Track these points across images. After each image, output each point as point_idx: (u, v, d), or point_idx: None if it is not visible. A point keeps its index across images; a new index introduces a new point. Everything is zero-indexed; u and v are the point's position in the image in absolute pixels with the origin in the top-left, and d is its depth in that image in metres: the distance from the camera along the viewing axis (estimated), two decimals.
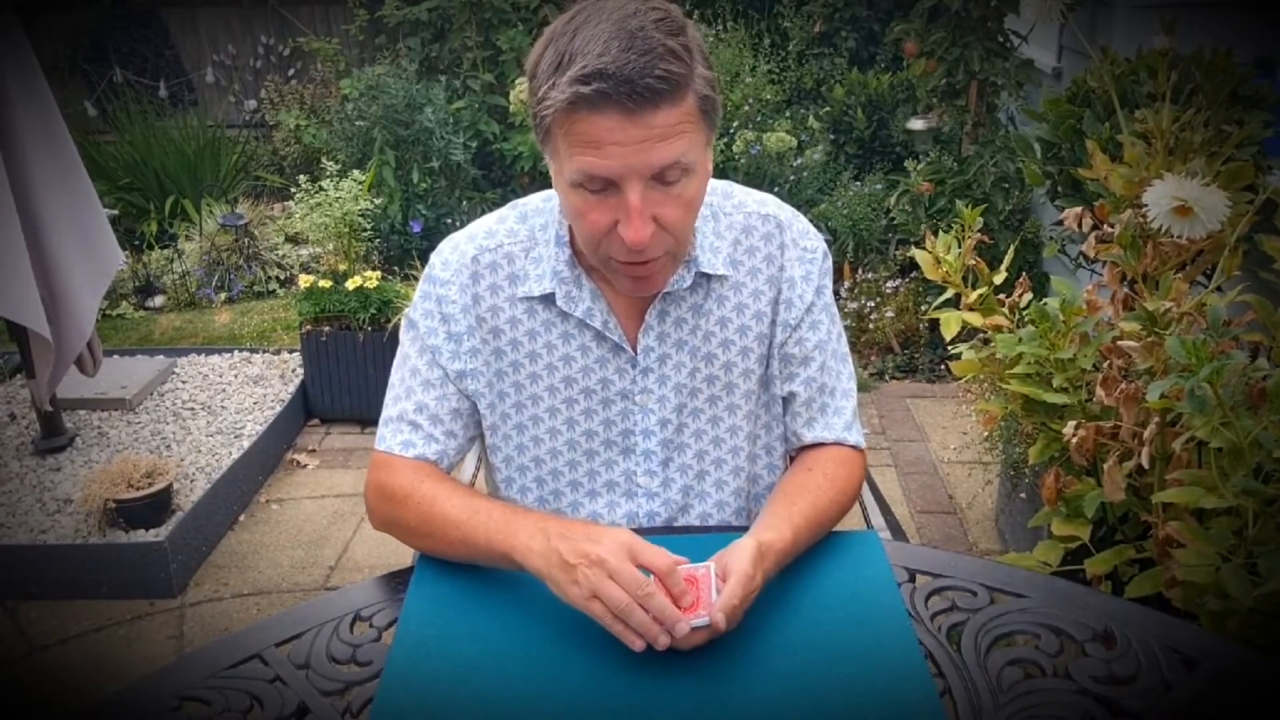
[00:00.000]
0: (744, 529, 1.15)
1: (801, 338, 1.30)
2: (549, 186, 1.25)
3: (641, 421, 1.28)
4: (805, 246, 1.30)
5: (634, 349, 1.26)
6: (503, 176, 4.92)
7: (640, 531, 1.28)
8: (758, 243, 1.28)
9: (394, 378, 1.31)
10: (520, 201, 1.32)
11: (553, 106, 1.04)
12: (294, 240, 4.91)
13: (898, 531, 1.48)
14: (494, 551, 1.11)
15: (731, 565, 1.04)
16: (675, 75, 1.03)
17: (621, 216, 1.08)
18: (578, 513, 1.31)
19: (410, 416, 1.28)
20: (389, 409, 1.30)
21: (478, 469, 1.59)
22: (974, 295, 1.90)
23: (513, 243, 1.27)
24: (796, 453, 1.35)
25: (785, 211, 1.32)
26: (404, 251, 4.52)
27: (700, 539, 1.25)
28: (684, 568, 1.04)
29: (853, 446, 1.33)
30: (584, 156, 1.05)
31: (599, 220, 1.10)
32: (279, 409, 3.45)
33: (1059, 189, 2.67)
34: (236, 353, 3.95)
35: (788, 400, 1.33)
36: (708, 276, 1.26)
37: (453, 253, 1.28)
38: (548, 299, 1.25)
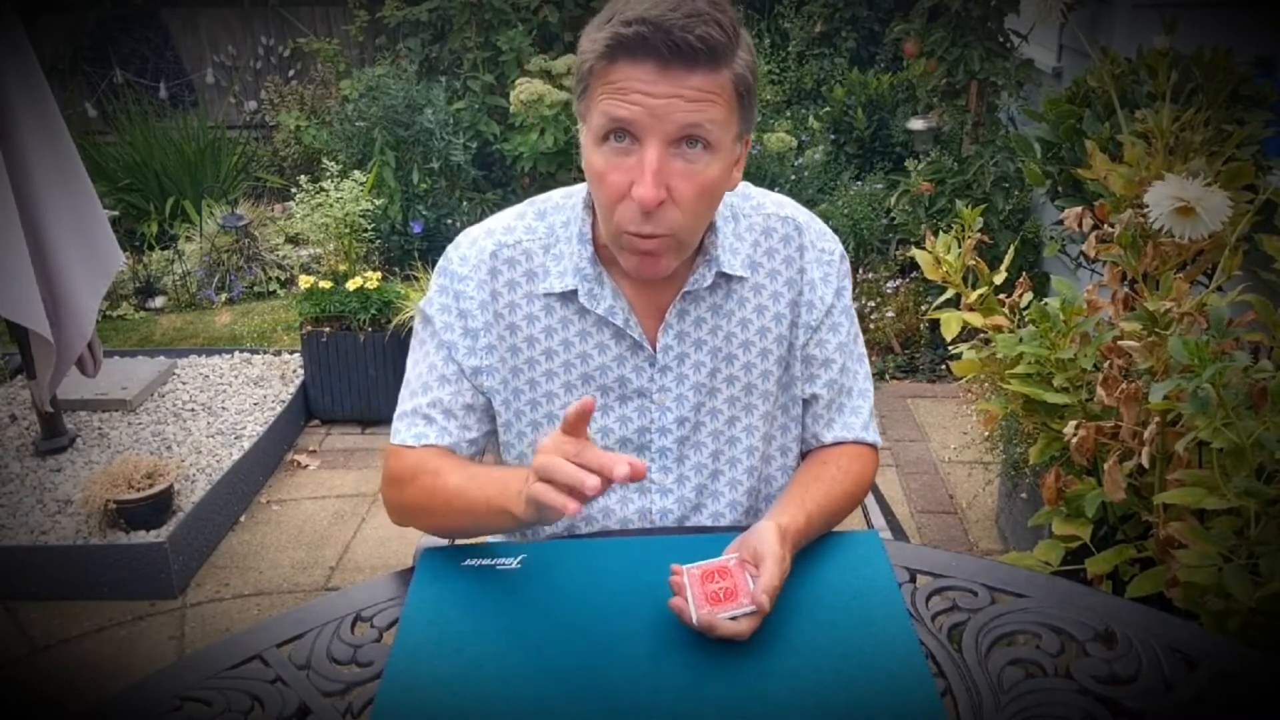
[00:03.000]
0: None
1: (823, 340, 1.31)
2: (548, 188, 1.26)
3: (658, 419, 1.29)
4: (823, 248, 1.31)
5: (653, 347, 1.27)
6: (503, 177, 4.92)
7: (653, 530, 1.29)
8: (777, 244, 1.30)
9: (410, 373, 1.32)
10: (539, 198, 1.32)
11: (594, 52, 1.08)
12: (294, 241, 4.91)
13: (898, 531, 1.48)
14: (493, 510, 1.13)
15: (763, 549, 1.06)
16: (715, 41, 1.05)
17: (637, 176, 1.09)
18: (590, 507, 1.32)
19: (425, 411, 1.29)
20: (404, 404, 1.31)
21: None
22: (974, 295, 1.90)
23: (531, 239, 1.27)
24: (812, 450, 1.37)
25: (803, 214, 1.33)
26: (404, 252, 4.52)
27: (713, 539, 1.25)
28: (711, 561, 1.06)
29: (870, 444, 1.35)
30: (612, 101, 1.08)
31: (617, 181, 1.11)
32: (279, 410, 3.45)
33: (1059, 189, 2.67)
34: (237, 353, 3.95)
35: (809, 402, 1.34)
36: (727, 277, 1.27)
37: (471, 247, 1.28)
38: (568, 295, 1.25)
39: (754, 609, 1.01)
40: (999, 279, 1.90)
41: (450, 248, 1.31)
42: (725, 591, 1.03)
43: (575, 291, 1.24)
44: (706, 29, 1.04)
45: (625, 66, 1.06)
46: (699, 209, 1.14)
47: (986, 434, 2.69)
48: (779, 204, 1.32)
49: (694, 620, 1.01)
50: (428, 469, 1.24)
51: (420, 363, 1.31)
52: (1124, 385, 1.54)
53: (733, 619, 1.01)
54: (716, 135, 1.09)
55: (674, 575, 1.07)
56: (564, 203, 1.29)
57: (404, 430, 1.29)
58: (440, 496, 1.20)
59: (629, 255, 1.17)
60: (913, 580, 1.15)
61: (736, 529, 1.29)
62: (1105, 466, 1.53)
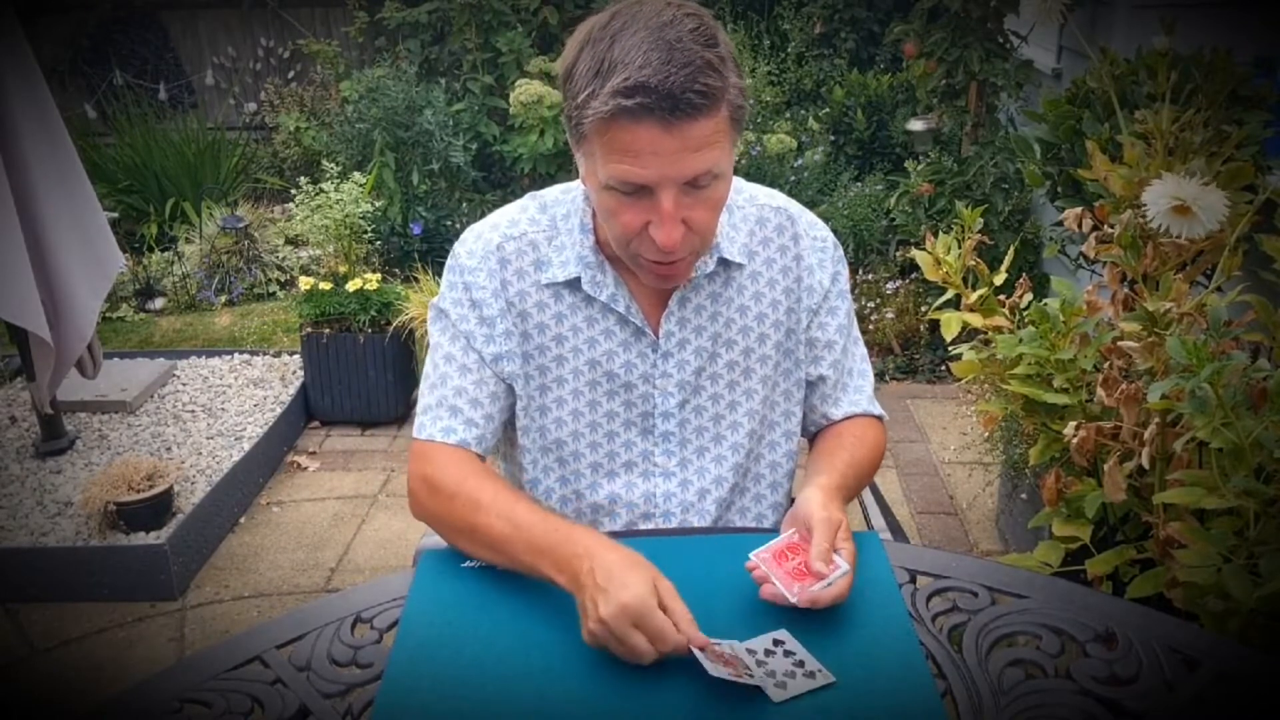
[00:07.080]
0: (770, 531, 1.18)
1: (823, 322, 1.36)
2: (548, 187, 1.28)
3: (661, 404, 1.32)
4: (816, 236, 1.36)
5: (656, 333, 1.30)
6: (503, 178, 4.92)
7: (651, 532, 1.30)
8: (771, 234, 1.34)
9: (428, 368, 1.32)
10: (539, 193, 1.35)
11: (593, 115, 1.08)
12: (294, 242, 4.92)
13: (898, 532, 1.48)
14: (533, 573, 1.10)
15: (812, 519, 1.10)
16: (713, 89, 1.07)
17: (654, 219, 1.12)
18: (597, 493, 1.34)
19: (450, 401, 1.28)
20: (426, 397, 1.31)
21: None
22: (974, 296, 1.90)
23: (535, 230, 1.30)
24: (823, 428, 1.41)
25: (794, 205, 1.38)
26: (404, 254, 4.52)
27: (710, 540, 1.25)
28: (777, 541, 1.11)
29: (877, 417, 1.41)
30: (621, 164, 1.09)
31: (631, 221, 1.14)
32: (279, 411, 3.45)
33: (1059, 189, 2.67)
34: (237, 355, 3.95)
35: (815, 384, 1.39)
36: (726, 264, 1.30)
37: (476, 241, 1.31)
38: (573, 284, 1.28)
39: (846, 569, 1.05)
40: (999, 280, 1.90)
41: (457, 244, 1.33)
42: (804, 566, 1.06)
43: (579, 280, 1.27)
44: (705, 80, 1.05)
45: (629, 127, 1.07)
46: (713, 223, 1.19)
47: (986, 435, 2.69)
48: (770, 195, 1.37)
49: (793, 600, 1.04)
50: (467, 494, 1.19)
51: (437, 353, 1.31)
52: (1124, 386, 1.54)
53: (829, 586, 1.04)
54: (723, 165, 1.13)
55: (752, 568, 1.08)
56: (564, 196, 1.32)
57: (430, 424, 1.28)
58: (478, 533, 1.16)
59: (649, 275, 1.21)
60: (913, 581, 1.16)
61: (726, 530, 1.33)
62: (1105, 467, 1.52)
